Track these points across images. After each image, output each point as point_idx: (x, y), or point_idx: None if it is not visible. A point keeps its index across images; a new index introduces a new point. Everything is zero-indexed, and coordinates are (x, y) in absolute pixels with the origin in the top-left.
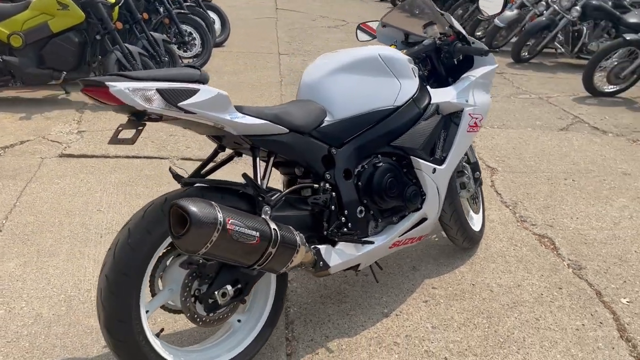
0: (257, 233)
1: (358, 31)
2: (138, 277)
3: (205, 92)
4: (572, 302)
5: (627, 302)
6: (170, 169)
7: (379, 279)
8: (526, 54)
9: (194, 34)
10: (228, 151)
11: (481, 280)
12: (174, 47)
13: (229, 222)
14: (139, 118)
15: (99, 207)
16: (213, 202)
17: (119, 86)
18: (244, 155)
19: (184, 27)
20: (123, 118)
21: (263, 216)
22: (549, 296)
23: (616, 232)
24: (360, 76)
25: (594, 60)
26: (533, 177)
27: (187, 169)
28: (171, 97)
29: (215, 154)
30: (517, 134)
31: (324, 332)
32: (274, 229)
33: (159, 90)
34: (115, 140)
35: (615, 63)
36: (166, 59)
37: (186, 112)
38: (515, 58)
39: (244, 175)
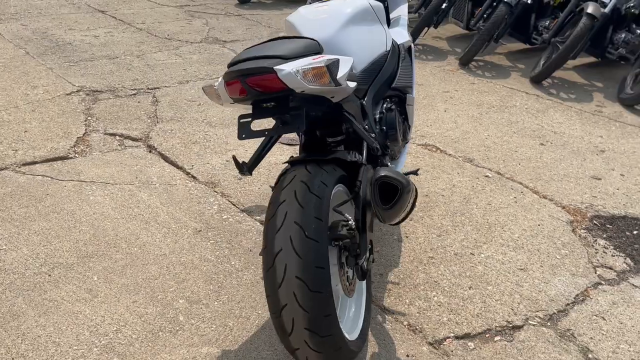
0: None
1: None
2: (328, 267)
3: (344, 62)
4: (494, 185)
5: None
6: (234, 157)
7: None
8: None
9: None
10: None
11: (432, 192)
12: None
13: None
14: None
15: None
16: (396, 170)
17: (286, 69)
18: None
19: None
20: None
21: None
22: (478, 185)
23: (462, 128)
24: (362, 27)
25: None
26: None
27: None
28: (334, 73)
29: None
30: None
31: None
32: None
33: (328, 67)
34: (250, 133)
35: None
36: None
37: (337, 85)
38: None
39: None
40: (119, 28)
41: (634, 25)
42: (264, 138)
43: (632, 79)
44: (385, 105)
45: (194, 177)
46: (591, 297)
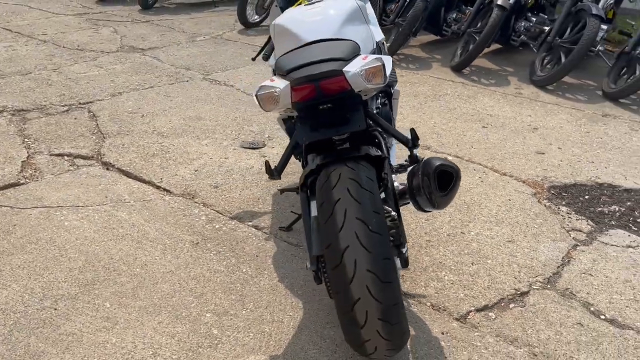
0: None
1: None
2: (392, 257)
3: (387, 60)
4: None
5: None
6: (266, 163)
7: None
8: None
9: None
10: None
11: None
12: None
13: None
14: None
15: None
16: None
17: (351, 70)
18: None
19: None
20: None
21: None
22: None
23: (410, 118)
24: (356, 27)
25: None
26: None
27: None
28: (387, 71)
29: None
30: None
31: None
32: None
33: (383, 66)
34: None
35: None
36: None
37: (384, 82)
38: (144, 5)
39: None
40: (20, 41)
41: (529, 14)
42: (289, 142)
43: (539, 62)
44: (379, 100)
45: (167, 191)
46: (574, 258)
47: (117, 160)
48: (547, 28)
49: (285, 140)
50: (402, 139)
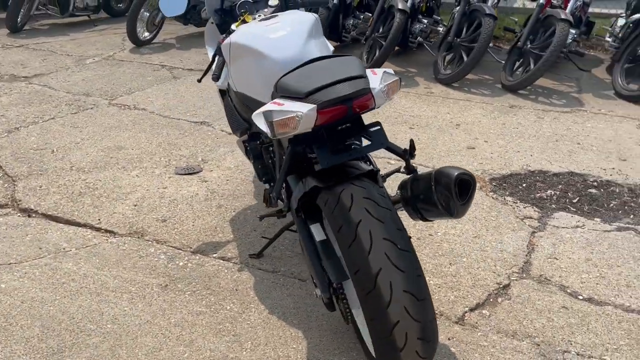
0: None
1: None
2: (423, 273)
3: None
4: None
5: None
6: (265, 192)
7: None
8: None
9: None
10: None
11: None
12: None
13: None
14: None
15: None
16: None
17: (376, 87)
18: None
19: None
20: None
21: None
22: None
23: None
24: (317, 40)
25: (133, 10)
26: None
27: None
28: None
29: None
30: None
31: None
32: None
33: (400, 80)
34: (331, 159)
35: (147, 14)
36: None
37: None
38: (12, 28)
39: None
40: None
41: (420, 17)
42: (282, 166)
43: (442, 61)
44: None
45: (110, 232)
46: (536, 244)
47: (38, 205)
48: (440, 28)
49: (224, 162)
50: (397, 151)
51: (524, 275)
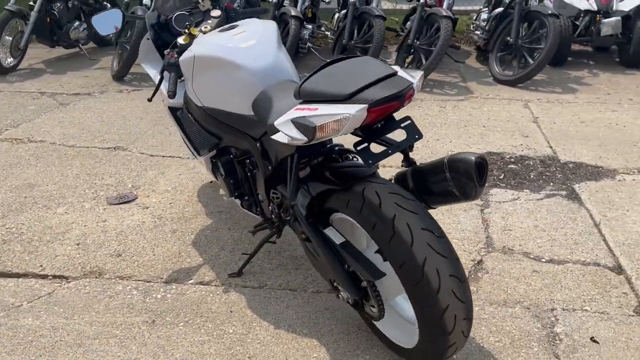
0: None
1: None
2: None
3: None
4: None
5: None
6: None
7: None
8: None
9: None
10: None
11: None
12: None
13: None
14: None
15: None
16: None
17: (414, 82)
18: None
19: None
20: None
21: None
22: None
23: None
24: (283, 47)
25: None
26: None
27: None
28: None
29: None
30: None
31: None
32: None
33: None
34: (375, 156)
35: (9, 38)
36: None
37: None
38: None
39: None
40: None
41: (305, 23)
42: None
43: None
44: None
45: (61, 277)
46: (489, 220)
47: None
48: (328, 33)
49: (158, 185)
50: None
51: (490, 249)
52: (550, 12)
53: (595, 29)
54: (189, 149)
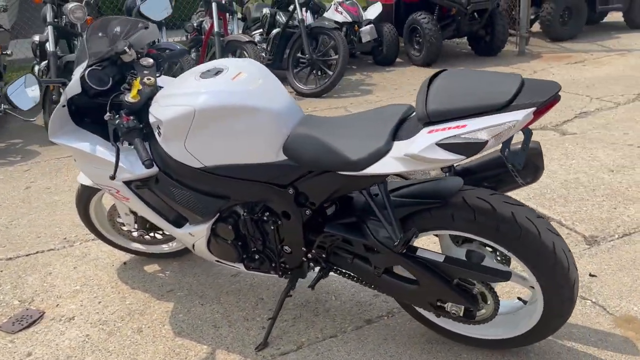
0: None
1: None
2: None
3: None
4: None
5: None
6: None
7: None
8: None
9: None
10: None
11: None
12: None
13: None
14: None
15: None
16: None
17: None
18: None
19: None
20: None
21: None
22: None
23: None
24: None
25: None
26: None
27: None
28: None
29: None
30: None
31: None
32: None
33: None
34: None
35: None
36: None
37: None
38: None
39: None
40: None
41: None
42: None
43: None
44: None
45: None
46: None
47: None
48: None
49: (58, 288)
50: None
51: None
52: (333, 26)
53: (356, 37)
54: (162, 224)
